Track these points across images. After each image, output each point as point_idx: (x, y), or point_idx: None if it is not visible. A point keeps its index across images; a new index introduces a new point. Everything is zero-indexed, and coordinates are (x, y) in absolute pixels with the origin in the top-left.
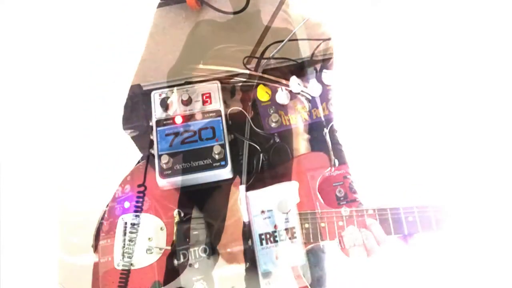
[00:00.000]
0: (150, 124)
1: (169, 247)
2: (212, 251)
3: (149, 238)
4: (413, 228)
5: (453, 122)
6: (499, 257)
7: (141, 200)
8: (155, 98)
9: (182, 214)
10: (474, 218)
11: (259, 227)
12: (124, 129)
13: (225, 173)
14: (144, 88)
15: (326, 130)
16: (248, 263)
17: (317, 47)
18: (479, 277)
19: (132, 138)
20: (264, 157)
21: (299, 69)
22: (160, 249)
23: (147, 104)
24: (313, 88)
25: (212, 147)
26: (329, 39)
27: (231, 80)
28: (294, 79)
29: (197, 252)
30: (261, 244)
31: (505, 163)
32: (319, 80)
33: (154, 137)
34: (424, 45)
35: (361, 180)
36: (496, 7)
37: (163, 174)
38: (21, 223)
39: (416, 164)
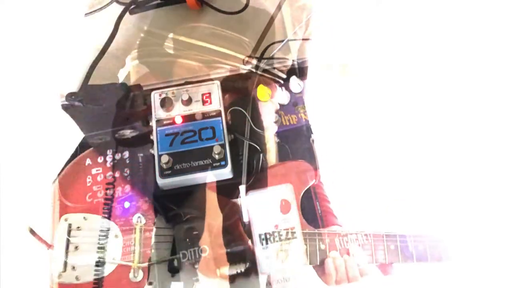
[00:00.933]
0: (150, 124)
1: (130, 263)
2: (172, 268)
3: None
4: (394, 257)
5: (438, 132)
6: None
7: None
8: (155, 98)
9: (143, 221)
10: (458, 246)
11: (259, 227)
12: (124, 129)
13: (225, 173)
14: (144, 88)
15: (312, 137)
16: (248, 263)
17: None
18: None
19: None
20: (264, 157)
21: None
22: (114, 258)
23: (147, 104)
24: (281, 95)
25: (212, 147)
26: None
27: (231, 80)
28: (294, 79)
29: (197, 252)
30: (261, 244)
31: (495, 177)
32: (287, 88)
33: (154, 137)
34: (415, 50)
35: (338, 196)
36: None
37: (163, 174)
38: (21, 223)
39: (397, 178)
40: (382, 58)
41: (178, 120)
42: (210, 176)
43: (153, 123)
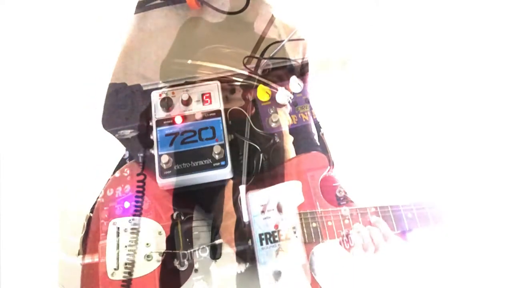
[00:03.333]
0: (150, 124)
1: (169, 251)
2: (213, 251)
3: (147, 244)
4: (413, 224)
5: (444, 120)
6: (497, 254)
7: (140, 196)
8: (155, 98)
9: (182, 217)
10: (469, 213)
11: (259, 227)
12: (123, 129)
13: (225, 173)
14: (144, 88)
15: (322, 131)
16: (248, 263)
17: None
18: (478, 273)
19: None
20: (264, 157)
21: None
22: (160, 254)
23: (147, 104)
24: (280, 95)
25: (212, 147)
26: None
27: (231, 80)
28: (294, 79)
29: (197, 252)
30: (261, 244)
31: (499, 160)
32: (287, 87)
33: (154, 137)
34: (418, 47)
35: (352, 181)
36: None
37: (163, 174)
38: (21, 223)
39: (407, 162)
40: (382, 54)
41: (178, 120)
42: (210, 176)
43: (153, 123)
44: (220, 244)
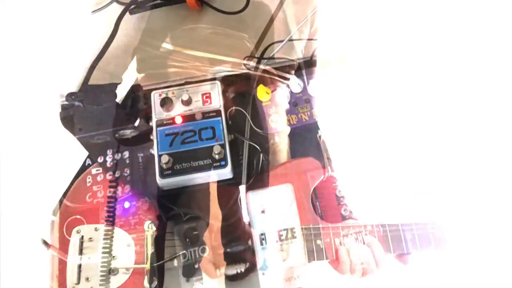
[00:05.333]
0: (150, 124)
1: (144, 265)
2: (188, 272)
3: (113, 257)
4: (413, 246)
5: (446, 131)
6: (500, 274)
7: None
8: (155, 98)
9: (154, 228)
10: (475, 236)
11: (259, 227)
12: (124, 129)
13: (225, 173)
14: (144, 88)
15: (320, 133)
16: (248, 263)
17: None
18: None
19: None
20: (264, 157)
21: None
22: (127, 269)
23: (147, 104)
24: (279, 95)
25: (212, 147)
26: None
27: (231, 80)
28: (294, 79)
29: (197, 252)
30: (261, 244)
31: (502, 176)
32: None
33: (154, 137)
34: (418, 46)
35: (351, 192)
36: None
37: (163, 174)
38: (21, 223)
39: (407, 177)
40: (383, 52)
41: (178, 120)
42: (210, 176)
43: (153, 123)
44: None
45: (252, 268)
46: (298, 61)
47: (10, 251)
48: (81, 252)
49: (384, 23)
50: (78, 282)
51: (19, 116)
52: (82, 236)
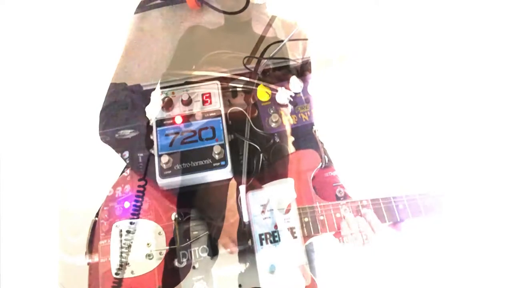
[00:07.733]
0: (150, 124)
1: (168, 247)
2: (212, 251)
3: (148, 244)
4: (404, 215)
5: (438, 114)
6: (490, 243)
7: (140, 199)
8: (155, 98)
9: (182, 217)
10: (462, 203)
11: (259, 227)
12: (123, 129)
13: (225, 173)
14: (144, 88)
15: (315, 128)
16: (248, 263)
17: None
18: (471, 262)
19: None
20: (264, 157)
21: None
22: (160, 253)
23: (147, 104)
24: (281, 95)
25: (212, 147)
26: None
27: (231, 80)
28: (294, 79)
29: (197, 252)
30: (261, 244)
31: (491, 151)
32: (287, 87)
33: (154, 137)
34: (418, 46)
35: (348, 175)
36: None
37: (163, 174)
38: (21, 223)
39: (402, 154)
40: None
41: (178, 120)
42: (210, 176)
43: (153, 123)
44: (217, 243)
45: (252, 268)
46: (298, 61)
47: (10, 251)
48: (120, 242)
49: (384, 23)
50: (121, 267)
51: (19, 116)
52: (121, 230)
